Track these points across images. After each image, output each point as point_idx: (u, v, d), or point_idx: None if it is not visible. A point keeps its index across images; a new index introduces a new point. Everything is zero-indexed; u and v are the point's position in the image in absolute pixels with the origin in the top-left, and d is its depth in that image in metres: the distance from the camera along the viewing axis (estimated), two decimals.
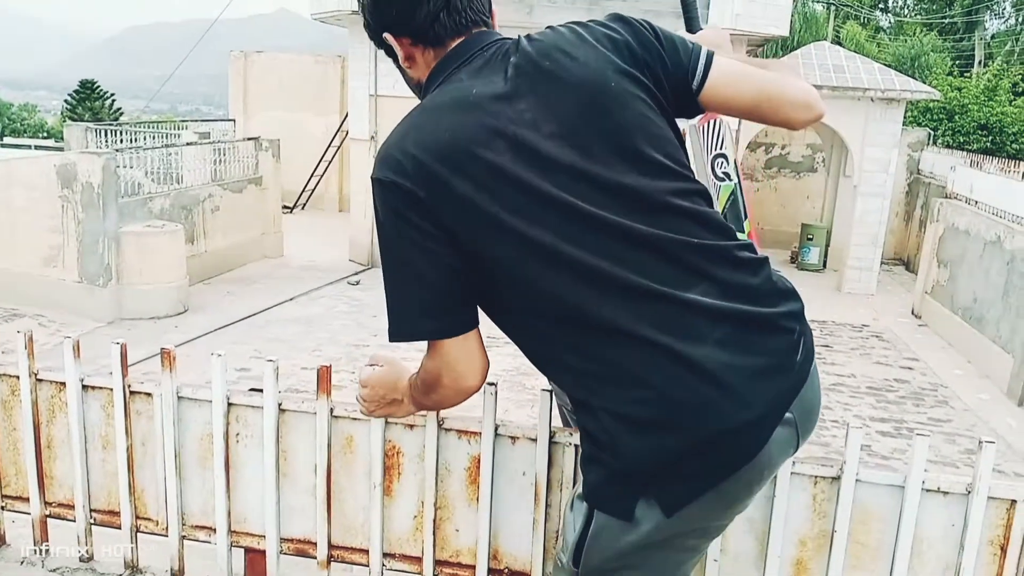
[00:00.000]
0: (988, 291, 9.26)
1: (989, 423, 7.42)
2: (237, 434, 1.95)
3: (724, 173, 1.85)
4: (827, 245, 14.48)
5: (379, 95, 12.03)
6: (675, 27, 2.00)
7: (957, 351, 9.74)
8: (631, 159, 1.28)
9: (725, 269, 1.31)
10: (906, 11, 38.94)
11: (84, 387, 2.00)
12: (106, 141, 13.51)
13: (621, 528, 1.31)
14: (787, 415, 1.31)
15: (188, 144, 11.38)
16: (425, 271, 1.29)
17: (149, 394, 1.98)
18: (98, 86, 31.45)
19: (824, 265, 14.41)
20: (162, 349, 1.91)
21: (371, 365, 1.67)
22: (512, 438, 1.84)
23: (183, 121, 18.44)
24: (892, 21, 38.80)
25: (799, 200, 16.62)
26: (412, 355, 1.61)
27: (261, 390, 1.89)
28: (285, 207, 16.55)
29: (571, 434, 1.80)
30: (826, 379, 8.37)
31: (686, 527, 1.33)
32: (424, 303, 1.30)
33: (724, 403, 1.24)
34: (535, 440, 1.81)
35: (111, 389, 1.98)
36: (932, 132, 18.80)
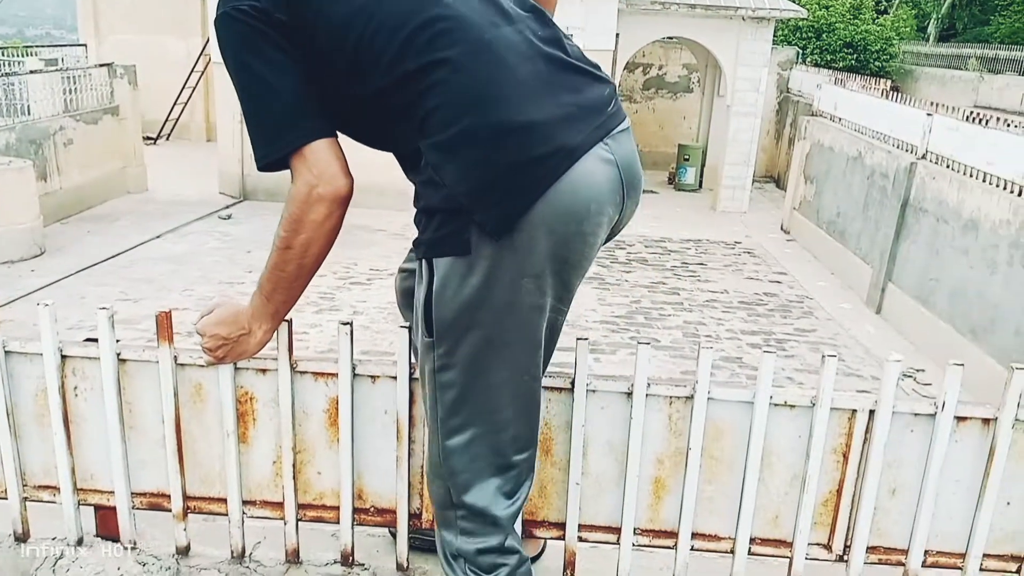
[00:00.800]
0: (850, 205, 9.75)
1: (850, 331, 7.89)
2: (75, 388, 1.82)
3: None
4: (703, 165, 14.86)
5: None
6: None
7: (822, 264, 10.27)
8: None
9: (546, 27, 1.47)
10: None
11: None
12: None
13: (463, 271, 1.41)
14: (605, 153, 1.42)
15: (32, 72, 10.46)
16: (280, 82, 1.38)
17: None
18: None
19: (700, 185, 14.81)
20: None
21: (204, 316, 1.60)
22: (372, 377, 1.79)
23: (28, 47, 16.96)
24: None
25: (676, 120, 16.93)
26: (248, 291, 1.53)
27: (96, 340, 1.76)
28: (148, 138, 15.63)
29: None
30: (700, 296, 8.68)
31: (522, 263, 1.40)
32: (287, 115, 1.39)
33: (533, 127, 1.36)
34: (395, 378, 1.77)
35: None
36: (801, 50, 19.39)
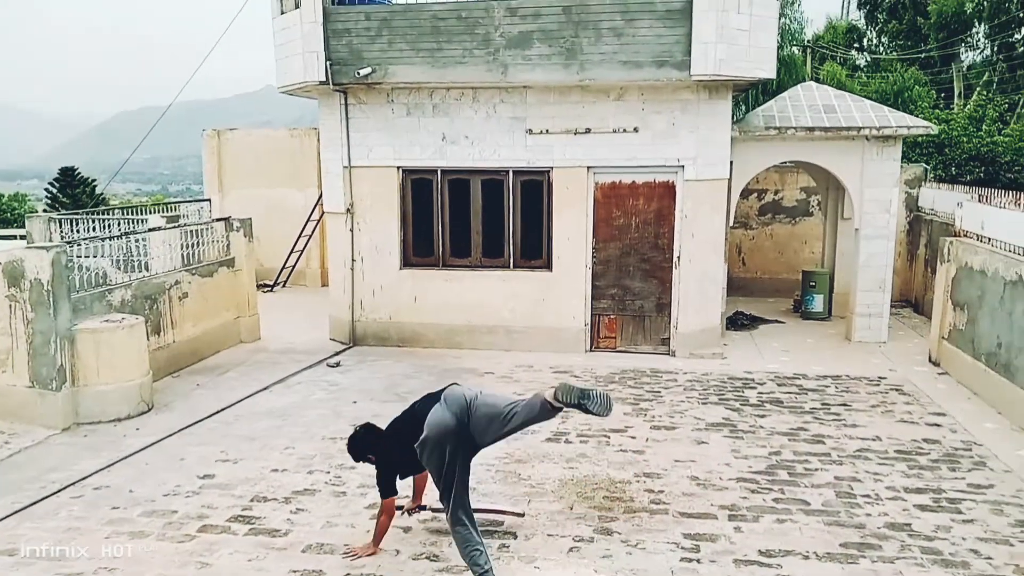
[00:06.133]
0: (1015, 335, 8.59)
1: None
2: None
3: None
4: (830, 291, 13.87)
5: (353, 166, 11.49)
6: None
7: (985, 401, 9.03)
8: None
9: None
10: (881, 48, 39.09)
11: None
12: (72, 230, 12.94)
13: None
14: None
15: (152, 230, 10.74)
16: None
17: None
18: (78, 172, 31.07)
19: (829, 313, 13.78)
20: None
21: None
22: None
23: (156, 204, 17.89)
24: (868, 59, 38.86)
25: (796, 246, 16.10)
26: None
27: None
28: (265, 286, 15.96)
29: None
30: (849, 444, 7.63)
31: None
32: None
33: None
34: None
35: None
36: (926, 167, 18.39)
